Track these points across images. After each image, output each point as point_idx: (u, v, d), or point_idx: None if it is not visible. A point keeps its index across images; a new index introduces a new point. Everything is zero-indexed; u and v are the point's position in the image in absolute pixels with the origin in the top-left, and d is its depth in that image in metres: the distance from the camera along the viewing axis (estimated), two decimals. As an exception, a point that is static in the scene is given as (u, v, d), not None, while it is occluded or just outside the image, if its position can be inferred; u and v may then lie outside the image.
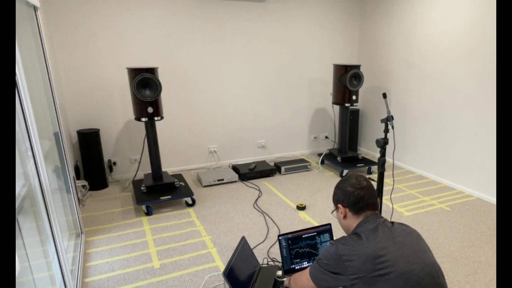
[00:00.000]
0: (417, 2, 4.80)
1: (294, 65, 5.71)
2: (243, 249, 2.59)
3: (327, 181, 4.89)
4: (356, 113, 6.01)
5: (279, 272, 2.60)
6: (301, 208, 4.04)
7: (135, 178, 4.98)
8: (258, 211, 4.03)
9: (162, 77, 4.91)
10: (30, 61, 2.68)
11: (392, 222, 1.72)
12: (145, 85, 3.87)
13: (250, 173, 4.98)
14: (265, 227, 3.67)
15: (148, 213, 3.95)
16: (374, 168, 5.23)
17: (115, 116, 4.82)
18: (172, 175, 4.68)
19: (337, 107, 6.11)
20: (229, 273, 2.26)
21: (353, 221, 1.77)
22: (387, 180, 4.89)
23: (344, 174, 5.01)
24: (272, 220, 3.80)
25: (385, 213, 3.90)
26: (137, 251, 3.26)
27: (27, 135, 2.16)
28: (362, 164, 5.07)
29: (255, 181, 4.93)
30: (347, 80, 4.80)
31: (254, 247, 3.29)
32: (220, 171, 5.08)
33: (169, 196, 4.03)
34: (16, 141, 2.12)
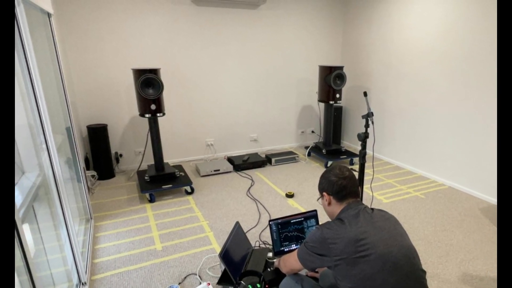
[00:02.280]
0: (394, 10, 4.80)
1: (283, 67, 5.69)
2: (237, 233, 2.59)
3: (313, 171, 4.90)
4: (339, 109, 6.01)
5: (270, 254, 2.61)
6: (289, 196, 4.04)
7: (140, 169, 4.96)
8: (251, 198, 4.03)
9: (164, 77, 4.90)
10: (45, 63, 2.67)
11: (372, 209, 1.72)
12: (148, 84, 3.84)
13: (243, 164, 4.97)
14: (257, 213, 3.67)
15: (151, 200, 3.94)
16: (356, 159, 5.24)
17: (121, 112, 4.79)
18: (173, 166, 4.67)
19: (322, 104, 6.11)
20: (225, 255, 2.25)
21: (337, 208, 1.77)
22: (367, 171, 4.91)
23: (328, 165, 5.02)
24: (264, 207, 3.80)
25: (366, 201, 3.92)
26: (141, 235, 3.25)
27: (41, 130, 2.17)
28: (345, 156, 5.07)
29: (248, 172, 4.92)
30: (331, 80, 4.79)
31: (247, 231, 3.29)
32: (216, 162, 5.06)
33: (170, 185, 4.01)
34: (32, 135, 2.14)
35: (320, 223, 2.99)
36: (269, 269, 2.42)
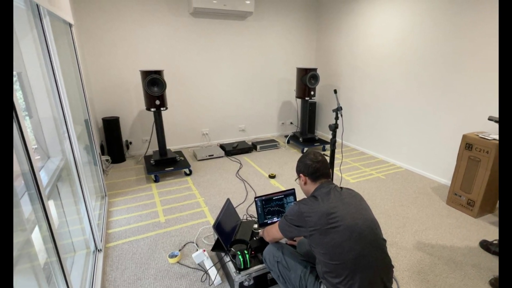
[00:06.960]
0: (360, 21, 4.77)
1: (266, 68, 5.65)
2: (228, 208, 2.58)
3: (291, 156, 4.90)
4: (313, 104, 6.01)
5: (255, 225, 2.60)
6: (272, 177, 4.04)
7: (146, 154, 4.90)
8: (239, 179, 4.01)
9: (166, 77, 4.83)
10: (67, 65, 2.66)
11: (341, 187, 1.72)
12: (153, 83, 3.79)
13: (233, 150, 4.94)
14: (244, 191, 3.67)
15: (156, 180, 3.90)
16: (328, 146, 5.26)
17: (131, 107, 4.71)
18: (174, 152, 4.63)
19: (299, 100, 6.10)
20: (217, 226, 2.24)
21: (312, 187, 1.77)
22: (337, 156, 4.93)
23: (304, 151, 5.03)
24: (250, 186, 3.80)
25: (336, 181, 3.94)
26: (148, 209, 3.23)
27: (64, 121, 2.18)
28: (318, 143, 5.09)
29: (237, 156, 4.90)
30: (307, 80, 4.77)
31: (236, 206, 3.29)
32: (210, 148, 5.03)
33: (172, 168, 3.98)
34: (56, 126, 2.17)
35: (297, 199, 3.00)
36: (254, 238, 2.42)
